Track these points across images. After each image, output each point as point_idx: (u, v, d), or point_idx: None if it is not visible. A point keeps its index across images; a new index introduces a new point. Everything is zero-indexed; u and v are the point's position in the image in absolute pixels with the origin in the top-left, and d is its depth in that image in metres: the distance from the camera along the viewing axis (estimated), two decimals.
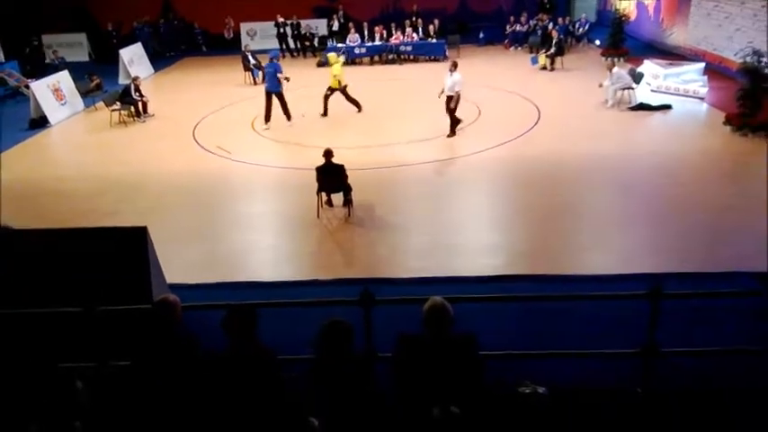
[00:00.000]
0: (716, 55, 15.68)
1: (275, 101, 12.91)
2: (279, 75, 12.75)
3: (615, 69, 13.54)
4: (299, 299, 5.70)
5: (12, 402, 3.74)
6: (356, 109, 13.76)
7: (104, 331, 4.67)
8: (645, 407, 4.44)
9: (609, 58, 14.65)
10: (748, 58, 11.36)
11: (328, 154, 8.58)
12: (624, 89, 13.42)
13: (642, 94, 13.80)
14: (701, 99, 13.49)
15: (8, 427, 3.45)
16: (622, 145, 11.19)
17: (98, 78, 16.69)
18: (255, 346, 3.84)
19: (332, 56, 14.17)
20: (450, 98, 11.71)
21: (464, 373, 3.75)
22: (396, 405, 3.73)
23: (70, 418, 3.42)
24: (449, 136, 11.84)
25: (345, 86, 13.60)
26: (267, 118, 13.03)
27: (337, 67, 13.53)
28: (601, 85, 13.61)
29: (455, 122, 11.93)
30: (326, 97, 13.56)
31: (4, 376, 3.97)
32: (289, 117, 13.09)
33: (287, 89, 13.11)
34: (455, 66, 11.84)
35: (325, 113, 13.59)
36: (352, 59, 19.72)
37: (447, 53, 19.56)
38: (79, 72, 17.05)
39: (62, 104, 15.08)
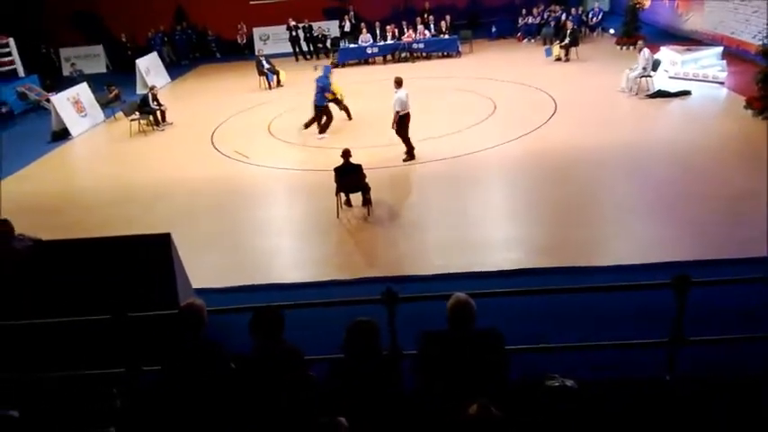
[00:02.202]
0: (734, 38, 15.42)
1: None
2: (326, 94, 12.50)
3: (645, 50, 13.32)
4: (323, 299, 5.73)
5: (45, 409, 3.84)
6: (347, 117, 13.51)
7: (134, 337, 4.76)
8: (673, 395, 4.40)
9: (638, 42, 14.31)
10: (766, 40, 11.18)
11: (346, 154, 8.64)
12: (642, 77, 13.27)
13: (660, 81, 13.63)
14: (721, 84, 13.28)
15: None
16: (641, 133, 11.06)
17: (116, 89, 16.95)
18: (282, 347, 3.89)
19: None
20: (400, 118, 10.36)
21: (489, 369, 3.76)
22: (421, 402, 3.75)
23: (105, 423, 3.49)
24: (404, 160, 10.61)
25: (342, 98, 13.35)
26: (322, 128, 12.53)
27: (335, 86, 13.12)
28: (631, 69, 13.41)
29: (409, 145, 10.62)
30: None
31: (43, 384, 4.08)
32: (322, 129, 12.61)
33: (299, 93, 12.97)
34: (398, 83, 10.33)
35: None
36: (365, 59, 19.80)
37: (460, 48, 19.51)
38: (98, 83, 17.37)
39: (82, 116, 15.33)
